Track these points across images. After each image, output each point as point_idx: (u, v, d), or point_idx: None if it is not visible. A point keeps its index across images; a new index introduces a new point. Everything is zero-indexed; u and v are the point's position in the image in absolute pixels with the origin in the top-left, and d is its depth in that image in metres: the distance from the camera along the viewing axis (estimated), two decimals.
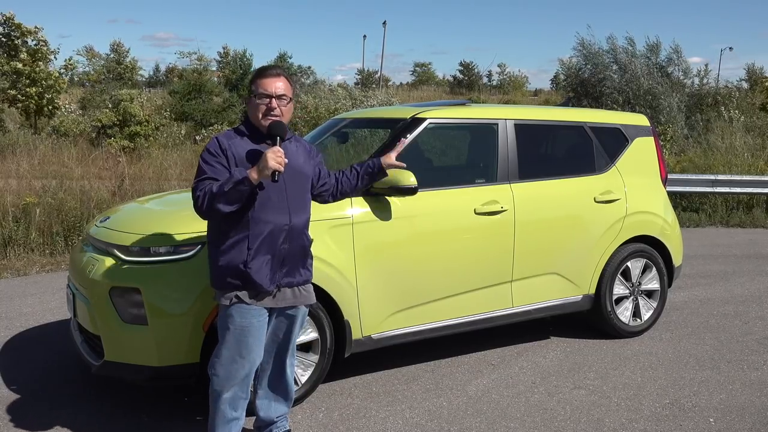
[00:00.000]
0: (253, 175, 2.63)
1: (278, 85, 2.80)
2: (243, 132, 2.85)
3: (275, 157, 2.63)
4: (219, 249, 2.78)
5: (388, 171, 3.31)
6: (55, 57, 22.16)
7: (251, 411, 3.19)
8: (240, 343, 2.80)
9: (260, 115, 2.79)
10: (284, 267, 2.84)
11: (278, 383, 3.10)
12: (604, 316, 4.69)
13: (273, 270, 2.80)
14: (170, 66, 48.17)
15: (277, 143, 2.74)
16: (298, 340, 3.20)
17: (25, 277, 6.69)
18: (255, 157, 2.75)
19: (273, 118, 2.79)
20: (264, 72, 2.84)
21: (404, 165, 3.31)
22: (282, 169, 2.66)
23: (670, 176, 9.62)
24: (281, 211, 2.79)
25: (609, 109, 11.15)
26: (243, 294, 2.77)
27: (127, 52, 41.00)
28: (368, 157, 3.50)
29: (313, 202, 3.05)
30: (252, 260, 2.74)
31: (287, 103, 2.84)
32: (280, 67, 3.02)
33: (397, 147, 3.36)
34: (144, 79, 49.39)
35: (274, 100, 2.79)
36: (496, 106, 4.80)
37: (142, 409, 3.60)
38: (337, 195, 3.20)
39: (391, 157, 3.26)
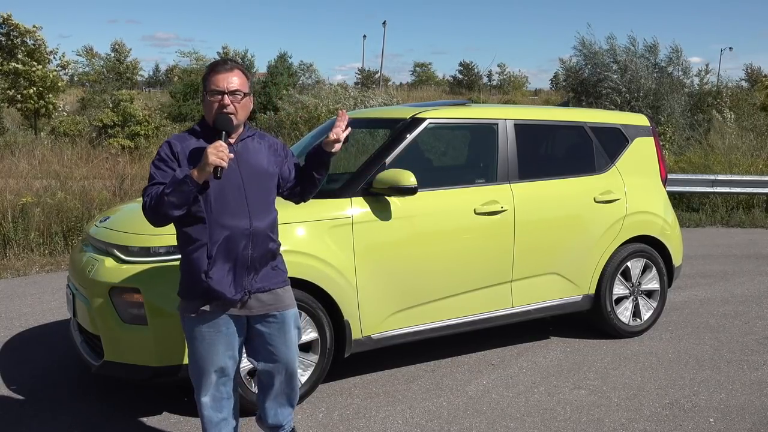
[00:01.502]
0: (195, 173, 2.47)
1: (231, 80, 2.63)
2: (198, 132, 2.70)
3: (216, 152, 2.45)
4: (183, 258, 2.67)
5: (387, 170, 3.23)
6: (53, 57, 22.13)
7: (251, 411, 3.19)
8: (209, 353, 2.68)
9: (213, 114, 2.63)
10: (252, 273, 2.67)
11: (285, 391, 2.94)
12: (604, 316, 4.68)
13: (238, 277, 2.63)
14: (171, 66, 48.22)
15: (223, 138, 2.57)
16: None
17: (24, 277, 6.69)
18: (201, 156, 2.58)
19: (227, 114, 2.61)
20: (216, 67, 2.67)
21: (347, 132, 2.82)
22: (224, 164, 2.47)
23: (670, 176, 9.62)
24: (241, 215, 2.62)
25: (609, 109, 11.16)
26: (207, 305, 2.63)
27: (129, 52, 40.91)
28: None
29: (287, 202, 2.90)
30: (212, 269, 2.59)
31: (242, 99, 2.65)
32: (234, 60, 2.84)
33: (339, 122, 2.83)
34: (144, 79, 49.37)
35: (226, 96, 2.61)
36: (496, 106, 4.80)
37: (142, 409, 3.59)
38: (304, 195, 2.92)
39: (330, 136, 2.80)
